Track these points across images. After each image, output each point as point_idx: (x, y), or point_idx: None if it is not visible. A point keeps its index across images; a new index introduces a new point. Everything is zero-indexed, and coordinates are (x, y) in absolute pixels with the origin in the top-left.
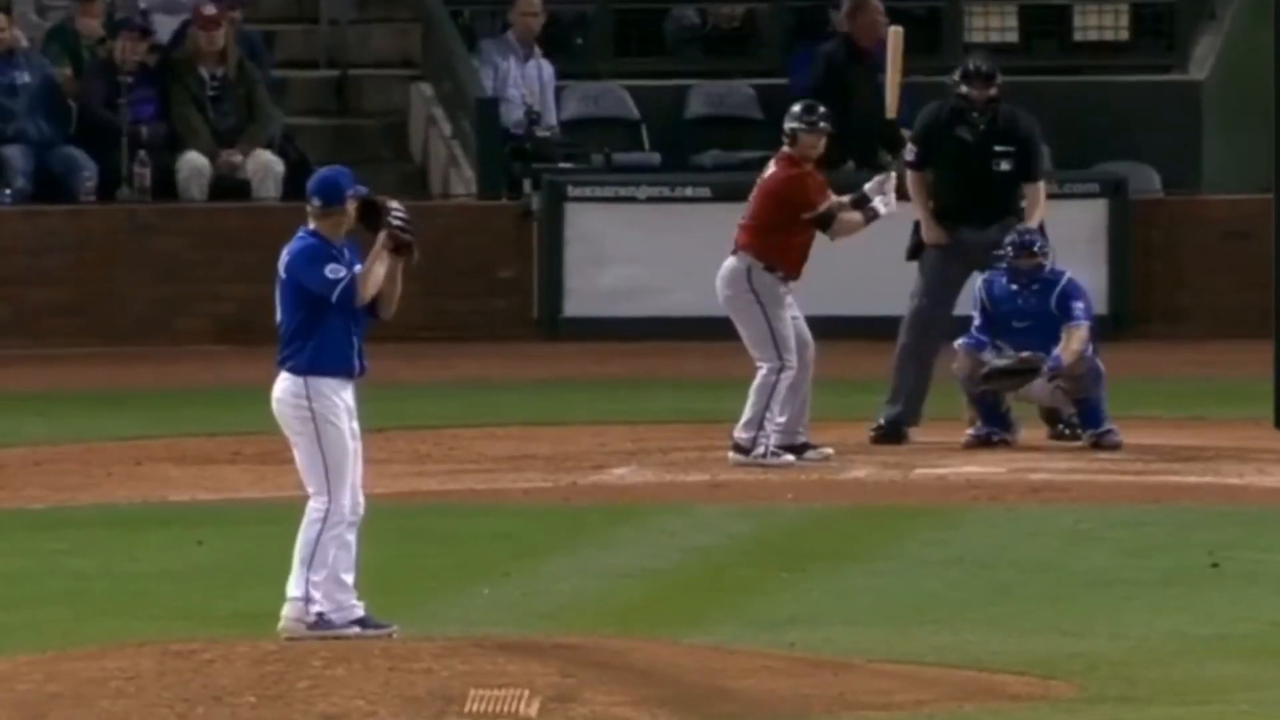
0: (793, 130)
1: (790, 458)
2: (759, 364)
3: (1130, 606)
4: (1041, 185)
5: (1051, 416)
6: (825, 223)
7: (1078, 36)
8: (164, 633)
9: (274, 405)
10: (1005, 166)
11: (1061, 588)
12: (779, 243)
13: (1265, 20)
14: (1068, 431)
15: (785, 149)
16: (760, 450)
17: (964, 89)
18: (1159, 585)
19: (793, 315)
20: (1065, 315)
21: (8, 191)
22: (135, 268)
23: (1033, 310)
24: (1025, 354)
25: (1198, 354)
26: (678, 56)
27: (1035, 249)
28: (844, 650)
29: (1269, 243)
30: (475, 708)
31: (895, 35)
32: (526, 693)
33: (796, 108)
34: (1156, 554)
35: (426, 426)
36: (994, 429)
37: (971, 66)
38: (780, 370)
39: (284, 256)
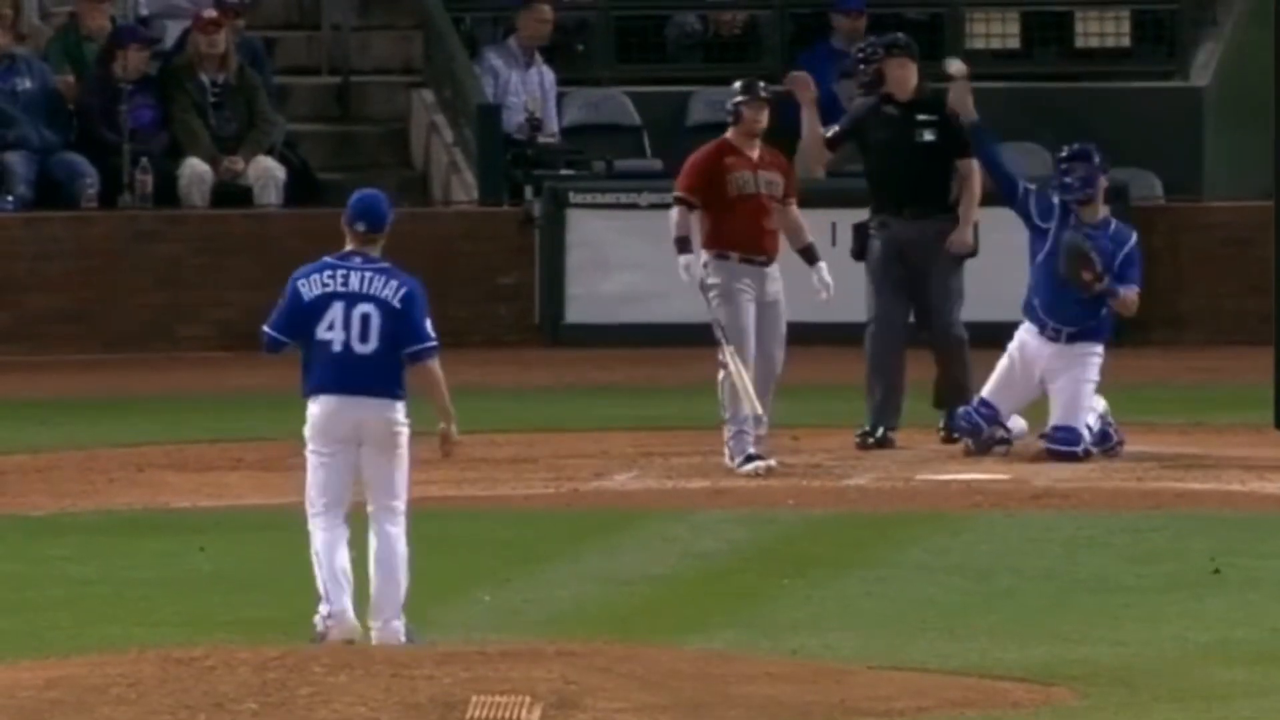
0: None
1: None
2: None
3: (1131, 613)
4: (974, 162)
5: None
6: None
7: (1079, 43)
8: (165, 639)
9: None
10: (929, 137)
11: (1063, 594)
12: None
13: (1266, 26)
14: None
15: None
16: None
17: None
18: (1160, 591)
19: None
20: (1124, 278)
21: (9, 198)
22: (137, 274)
23: (1103, 250)
24: (1101, 271)
25: (1199, 360)
26: (679, 63)
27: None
28: (845, 657)
29: (1270, 248)
30: (477, 714)
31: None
32: (528, 699)
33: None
34: (1158, 560)
35: (428, 433)
36: (992, 431)
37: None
38: None
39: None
